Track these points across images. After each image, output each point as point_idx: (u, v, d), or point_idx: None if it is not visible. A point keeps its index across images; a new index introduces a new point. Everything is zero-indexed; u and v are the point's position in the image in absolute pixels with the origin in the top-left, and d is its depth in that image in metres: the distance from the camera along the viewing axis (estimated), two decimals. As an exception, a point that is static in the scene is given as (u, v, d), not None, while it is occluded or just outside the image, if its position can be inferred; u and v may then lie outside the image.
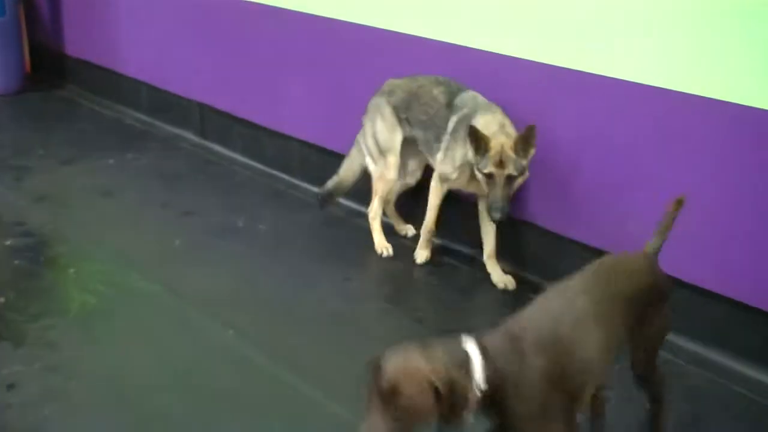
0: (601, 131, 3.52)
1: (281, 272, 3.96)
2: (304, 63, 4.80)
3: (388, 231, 4.22)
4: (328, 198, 4.35)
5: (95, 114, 6.23)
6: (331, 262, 4.06)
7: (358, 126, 4.43)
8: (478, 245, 3.87)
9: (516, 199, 3.66)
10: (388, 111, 3.97)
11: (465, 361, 2.06)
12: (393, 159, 4.01)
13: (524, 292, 3.79)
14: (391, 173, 4.03)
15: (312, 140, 4.85)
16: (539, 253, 3.86)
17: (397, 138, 3.99)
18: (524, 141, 3.44)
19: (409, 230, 4.32)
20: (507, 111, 3.64)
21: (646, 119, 3.35)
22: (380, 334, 3.51)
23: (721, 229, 3.26)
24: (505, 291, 3.79)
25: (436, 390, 1.96)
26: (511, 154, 3.43)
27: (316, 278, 3.91)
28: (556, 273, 3.73)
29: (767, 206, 3.11)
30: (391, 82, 4.00)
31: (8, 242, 4.15)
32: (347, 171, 4.25)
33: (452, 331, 3.47)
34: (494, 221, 3.53)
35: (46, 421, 2.87)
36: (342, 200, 4.68)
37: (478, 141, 3.46)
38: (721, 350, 3.33)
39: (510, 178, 3.45)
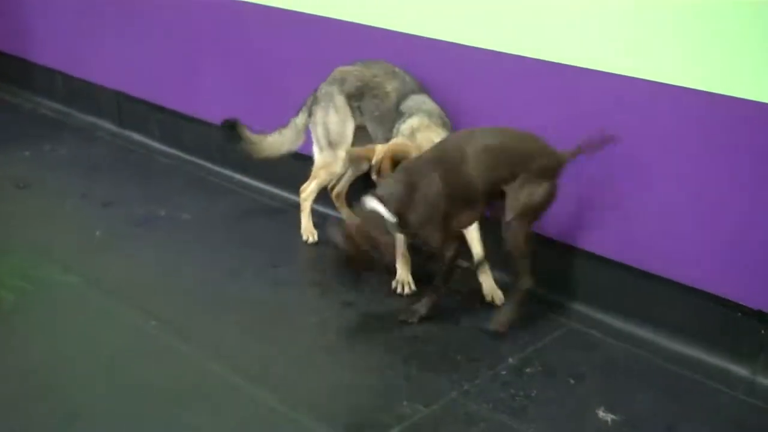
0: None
1: (205, 260, 3.92)
2: (219, 47, 4.74)
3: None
4: (232, 131, 4.18)
5: (9, 105, 6.07)
6: (256, 249, 4.04)
7: (277, 109, 4.40)
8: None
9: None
10: (341, 101, 3.87)
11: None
12: (343, 153, 3.92)
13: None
14: (339, 166, 3.96)
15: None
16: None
17: (349, 130, 3.90)
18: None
19: None
20: (451, 98, 3.64)
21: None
22: (307, 319, 3.51)
23: (645, 207, 3.35)
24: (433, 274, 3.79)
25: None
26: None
27: (241, 266, 3.88)
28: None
29: (700, 188, 3.21)
30: (342, 70, 3.90)
31: None
32: (271, 144, 4.15)
33: (380, 314, 3.54)
34: None
35: (-35, 421, 2.80)
36: (267, 186, 4.65)
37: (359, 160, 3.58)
38: (635, 321, 3.42)
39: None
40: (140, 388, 3.01)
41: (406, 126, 3.55)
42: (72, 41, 5.72)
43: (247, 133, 4.19)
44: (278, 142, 4.16)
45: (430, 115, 3.58)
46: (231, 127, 4.19)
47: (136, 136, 5.40)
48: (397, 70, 3.76)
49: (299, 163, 4.23)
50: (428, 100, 3.65)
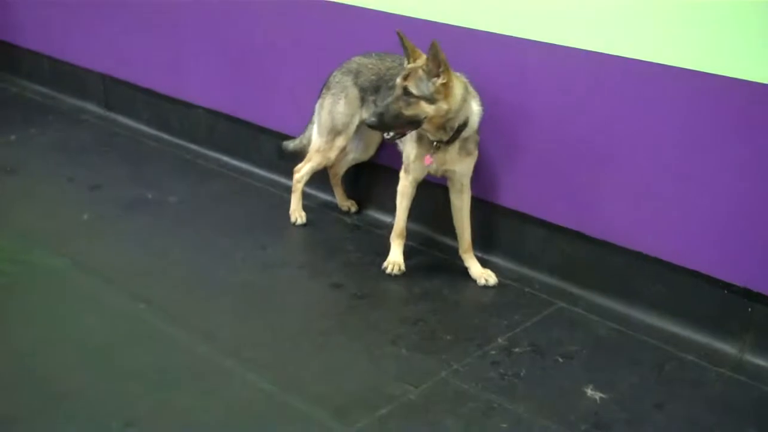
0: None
1: (193, 243, 3.91)
2: (206, 29, 4.71)
3: (312, 201, 4.19)
4: (287, 156, 4.20)
5: (-7, 88, 6.03)
6: (244, 232, 4.03)
7: (267, 94, 4.39)
8: (391, 210, 3.86)
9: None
10: (353, 93, 3.81)
11: None
12: (342, 142, 3.90)
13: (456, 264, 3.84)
14: (334, 154, 3.94)
15: (218, 108, 4.79)
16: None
17: (354, 122, 3.86)
18: (432, 58, 3.23)
19: (353, 206, 4.24)
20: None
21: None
22: (296, 301, 3.52)
23: (627, 185, 3.36)
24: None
25: None
26: (421, 73, 3.27)
27: (229, 248, 3.87)
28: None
29: (684, 165, 3.22)
30: (359, 61, 3.81)
31: None
32: (310, 140, 4.07)
33: (369, 296, 3.54)
34: (367, 125, 3.39)
35: (-46, 405, 2.80)
36: (255, 168, 4.65)
37: (405, 49, 3.34)
38: (623, 300, 3.44)
39: (407, 93, 3.27)
40: (129, 372, 3.00)
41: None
42: (57, 24, 5.67)
43: (292, 146, 4.17)
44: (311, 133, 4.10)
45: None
46: (285, 154, 4.20)
47: (123, 120, 5.37)
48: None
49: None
50: None
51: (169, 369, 3.04)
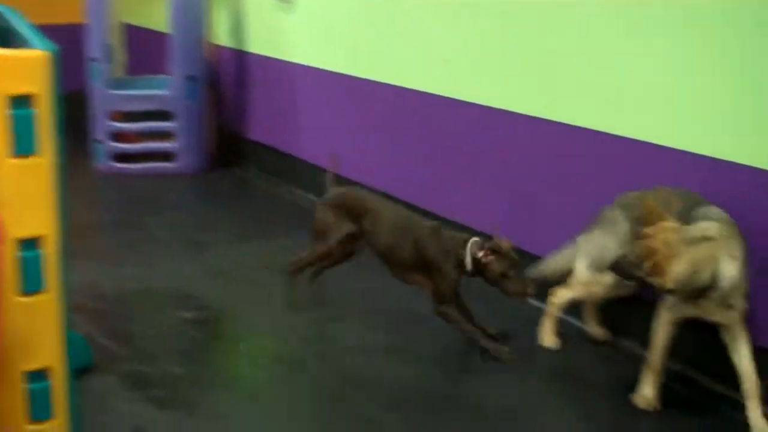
0: None
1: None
2: (483, 154, 4.83)
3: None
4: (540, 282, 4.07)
5: (272, 195, 6.49)
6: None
7: (541, 228, 4.37)
8: (648, 343, 3.70)
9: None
10: (625, 228, 3.66)
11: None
12: (609, 279, 3.75)
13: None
14: (600, 289, 3.84)
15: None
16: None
17: None
18: None
19: (606, 335, 4.13)
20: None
21: None
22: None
23: None
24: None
25: None
26: None
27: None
28: None
29: None
30: (632, 196, 3.69)
31: (186, 315, 4.35)
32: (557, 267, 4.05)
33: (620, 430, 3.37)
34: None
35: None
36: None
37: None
38: None
39: None
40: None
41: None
42: (336, 141, 6.02)
43: (548, 272, 4.10)
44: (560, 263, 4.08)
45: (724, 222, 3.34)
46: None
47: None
48: (692, 193, 3.54)
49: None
50: (717, 210, 3.43)
51: None
